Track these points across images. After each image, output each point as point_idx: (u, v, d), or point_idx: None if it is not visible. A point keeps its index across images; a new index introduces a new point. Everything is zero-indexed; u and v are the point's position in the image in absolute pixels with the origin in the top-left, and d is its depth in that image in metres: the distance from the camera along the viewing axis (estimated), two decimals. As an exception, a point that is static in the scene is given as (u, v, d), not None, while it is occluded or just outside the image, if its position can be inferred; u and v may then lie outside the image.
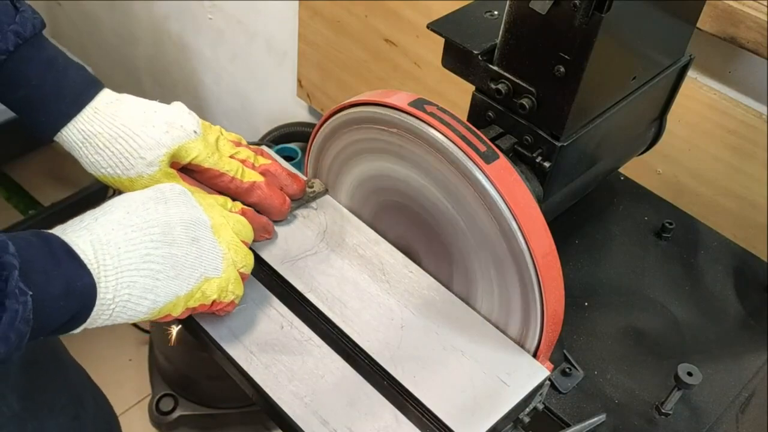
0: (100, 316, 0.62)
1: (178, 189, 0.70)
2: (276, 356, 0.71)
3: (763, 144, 1.06)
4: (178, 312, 0.67)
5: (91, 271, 0.60)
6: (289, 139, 1.85)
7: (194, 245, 0.67)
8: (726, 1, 0.99)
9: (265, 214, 0.80)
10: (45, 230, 0.62)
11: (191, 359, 1.66)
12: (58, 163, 2.36)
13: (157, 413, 1.75)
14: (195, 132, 0.76)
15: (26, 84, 0.73)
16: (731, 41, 1.01)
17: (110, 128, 0.74)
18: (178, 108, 0.77)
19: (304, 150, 1.75)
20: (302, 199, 0.84)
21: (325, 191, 0.86)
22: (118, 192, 0.77)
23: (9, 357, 0.55)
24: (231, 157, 0.79)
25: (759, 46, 0.98)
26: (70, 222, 0.64)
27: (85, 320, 0.61)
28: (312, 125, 1.86)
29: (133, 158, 0.74)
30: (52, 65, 0.74)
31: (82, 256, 0.60)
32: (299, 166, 0.88)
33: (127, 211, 0.65)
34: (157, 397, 1.77)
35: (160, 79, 2.32)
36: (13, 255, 0.54)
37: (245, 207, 0.77)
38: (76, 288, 0.59)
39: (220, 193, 0.79)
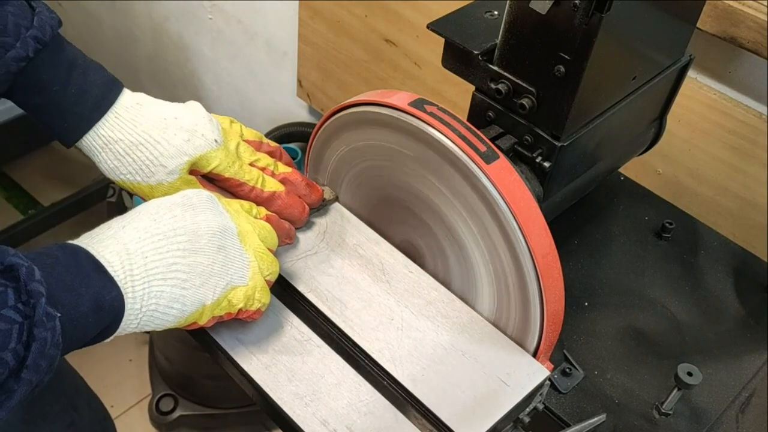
0: (128, 325, 0.61)
1: (205, 195, 0.69)
2: (276, 356, 0.71)
3: (763, 144, 1.06)
4: (204, 320, 0.67)
5: (119, 282, 0.60)
6: (289, 139, 1.85)
7: (221, 253, 0.66)
8: (726, 1, 0.99)
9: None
10: (71, 242, 0.61)
11: (191, 359, 1.66)
12: (58, 163, 2.37)
13: (157, 413, 1.75)
14: (216, 141, 0.75)
15: (47, 90, 0.72)
16: (731, 41, 1.01)
17: (131, 135, 0.74)
18: (198, 113, 0.76)
19: (304, 150, 1.75)
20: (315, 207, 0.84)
21: (335, 199, 0.85)
22: (119, 193, 0.77)
23: (43, 383, 0.55)
24: (251, 164, 0.78)
25: (759, 46, 0.98)
26: (98, 230, 0.64)
27: (114, 331, 0.61)
28: (312, 125, 1.86)
29: (154, 166, 0.74)
30: (72, 69, 0.73)
31: (109, 268, 0.60)
32: (299, 166, 0.88)
33: (153, 218, 0.64)
34: (157, 397, 1.77)
35: (160, 79, 2.32)
36: (39, 282, 0.53)
37: (269, 213, 0.77)
38: (105, 302, 0.58)
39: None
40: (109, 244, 0.61)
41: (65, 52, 0.74)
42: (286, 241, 0.79)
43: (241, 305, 0.68)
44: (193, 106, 0.77)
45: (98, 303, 0.58)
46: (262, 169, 0.79)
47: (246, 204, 0.75)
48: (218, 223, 0.67)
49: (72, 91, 0.73)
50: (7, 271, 0.53)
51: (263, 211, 0.76)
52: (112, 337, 0.61)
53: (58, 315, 0.54)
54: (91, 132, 0.74)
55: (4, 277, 0.53)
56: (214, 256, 0.66)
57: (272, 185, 0.78)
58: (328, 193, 0.85)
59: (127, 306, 0.60)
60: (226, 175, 0.76)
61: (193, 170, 0.76)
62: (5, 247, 0.54)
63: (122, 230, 0.63)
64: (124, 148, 0.74)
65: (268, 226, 0.74)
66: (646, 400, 0.79)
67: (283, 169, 0.81)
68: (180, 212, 0.66)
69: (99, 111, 0.74)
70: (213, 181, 0.78)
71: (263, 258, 0.70)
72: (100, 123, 0.74)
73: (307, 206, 0.81)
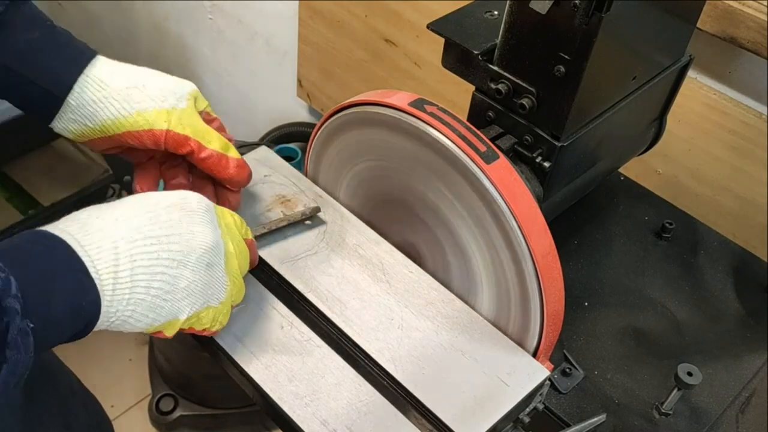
0: (99, 326, 0.59)
1: (205, 204, 0.67)
2: (276, 356, 0.72)
3: (763, 144, 1.06)
4: (170, 333, 0.65)
5: (99, 284, 0.57)
6: (289, 139, 1.86)
7: (208, 272, 0.65)
8: (726, 1, 0.99)
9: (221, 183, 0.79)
10: (52, 231, 0.58)
11: (191, 359, 1.66)
12: (58, 163, 2.36)
13: (157, 413, 1.75)
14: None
15: (23, 39, 0.70)
16: (731, 41, 1.01)
17: (128, 70, 0.74)
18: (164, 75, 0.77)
19: (304, 150, 1.75)
20: (291, 214, 0.82)
21: (317, 210, 0.83)
22: (119, 193, 0.77)
23: (8, 399, 0.53)
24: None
25: (759, 46, 0.98)
26: (87, 215, 0.60)
27: (85, 335, 0.59)
28: (312, 125, 1.86)
29: (162, 91, 0.73)
30: (43, 26, 0.73)
31: (92, 269, 0.57)
32: (299, 166, 0.88)
33: (150, 218, 0.62)
34: (157, 397, 1.77)
35: (160, 79, 2.32)
36: (14, 297, 0.50)
37: (251, 239, 0.74)
38: (82, 307, 0.56)
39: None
40: (97, 238, 0.58)
41: (33, 9, 0.73)
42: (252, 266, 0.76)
43: (207, 325, 0.67)
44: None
45: (74, 308, 0.55)
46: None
47: (238, 219, 0.72)
48: (212, 238, 0.65)
49: (55, 37, 0.72)
50: None
51: (249, 231, 0.74)
52: (78, 340, 0.59)
53: (32, 326, 0.51)
54: (82, 76, 0.72)
55: None
56: (201, 273, 0.64)
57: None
58: (309, 209, 0.83)
59: (103, 309, 0.58)
60: (214, 114, 0.78)
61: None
62: None
63: (114, 224, 0.60)
64: (127, 77, 0.73)
65: (246, 251, 0.71)
66: (646, 400, 0.79)
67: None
68: (177, 216, 0.63)
69: (85, 56, 0.73)
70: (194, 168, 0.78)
71: (235, 283, 0.69)
72: (90, 65, 0.73)
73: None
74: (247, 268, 0.72)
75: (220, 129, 0.80)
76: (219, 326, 0.69)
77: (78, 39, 0.75)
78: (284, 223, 0.81)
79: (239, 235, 0.71)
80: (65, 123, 0.74)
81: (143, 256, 0.60)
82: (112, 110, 0.72)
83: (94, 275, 0.57)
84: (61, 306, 0.55)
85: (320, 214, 0.84)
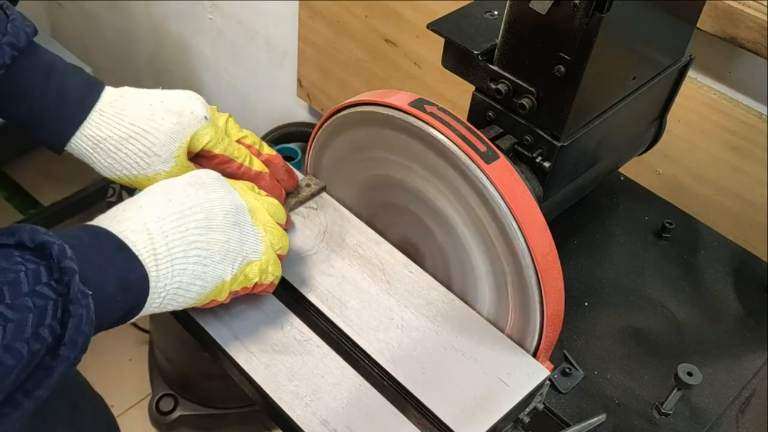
0: (151, 304, 0.62)
1: (214, 174, 0.70)
2: (276, 356, 0.71)
3: (763, 144, 1.06)
4: (223, 296, 0.68)
5: (143, 261, 0.61)
6: (289, 139, 1.86)
7: (236, 230, 0.68)
8: (726, 1, 0.99)
9: None
10: (91, 224, 0.62)
11: (191, 359, 1.66)
12: (58, 163, 2.35)
13: (157, 413, 1.75)
14: (205, 118, 0.75)
15: (28, 96, 0.72)
16: (731, 41, 1.01)
17: (119, 129, 0.73)
18: (184, 92, 0.76)
19: (304, 150, 1.74)
20: (300, 196, 0.84)
21: (323, 188, 0.85)
22: (118, 193, 0.77)
23: (78, 361, 0.56)
24: (239, 141, 0.79)
25: (759, 46, 0.98)
26: (112, 212, 0.64)
27: (140, 311, 0.62)
28: (312, 125, 1.86)
29: (148, 157, 0.73)
30: (51, 72, 0.72)
31: (133, 248, 0.60)
32: (299, 166, 0.88)
33: (168, 198, 0.65)
34: (157, 397, 1.77)
35: (160, 79, 2.32)
36: (71, 259, 0.54)
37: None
38: (131, 282, 0.60)
39: None
40: (129, 224, 0.62)
41: (42, 56, 0.73)
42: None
43: (256, 279, 0.69)
44: (180, 90, 0.77)
45: (124, 283, 0.59)
46: (249, 147, 0.79)
47: (249, 183, 0.75)
48: (230, 200, 0.68)
49: (53, 94, 0.72)
50: (39, 249, 0.54)
51: (263, 190, 0.77)
52: (137, 318, 0.62)
53: (90, 293, 0.54)
54: (77, 134, 0.73)
55: (36, 255, 0.54)
56: (230, 232, 0.67)
57: (258, 165, 0.79)
58: (314, 183, 0.84)
59: (152, 285, 0.61)
60: (216, 151, 0.76)
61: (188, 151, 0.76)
62: (36, 226, 0.55)
63: (139, 210, 0.63)
64: (114, 145, 0.73)
65: (275, 201, 0.75)
66: (646, 400, 0.79)
67: (267, 150, 0.81)
68: (193, 191, 0.67)
69: (82, 111, 0.73)
70: (200, 160, 0.77)
71: (274, 233, 0.72)
72: (85, 123, 0.73)
73: (284, 191, 0.82)
74: (284, 217, 0.76)
75: (249, 145, 0.80)
76: (272, 277, 0.71)
77: (81, 73, 0.74)
78: (295, 205, 0.82)
79: (257, 194, 0.74)
80: (85, 155, 0.75)
81: (173, 230, 0.63)
82: (107, 173, 0.75)
83: (136, 253, 0.61)
84: (112, 280, 0.58)
85: (320, 215, 0.84)
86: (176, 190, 0.66)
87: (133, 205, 0.64)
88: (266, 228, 0.71)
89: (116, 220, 0.62)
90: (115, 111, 0.74)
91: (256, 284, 0.70)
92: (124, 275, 0.59)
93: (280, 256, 0.73)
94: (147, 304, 0.62)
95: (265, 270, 0.70)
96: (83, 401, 1.02)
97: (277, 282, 0.73)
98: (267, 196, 0.76)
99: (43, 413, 0.91)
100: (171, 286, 0.63)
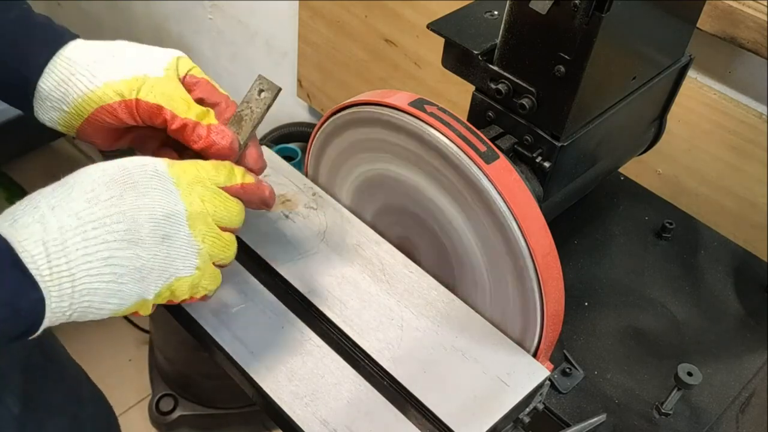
0: (55, 322, 0.56)
1: (150, 169, 0.60)
2: (276, 356, 0.71)
3: (763, 144, 1.06)
4: (146, 311, 0.62)
5: (41, 281, 0.53)
6: (289, 139, 1.86)
7: (164, 244, 0.59)
8: (726, 1, 0.99)
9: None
10: None
11: (191, 359, 1.66)
12: (58, 163, 2.36)
13: (157, 413, 1.75)
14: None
15: (3, 20, 0.67)
16: (731, 41, 1.01)
17: (107, 45, 0.68)
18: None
19: (304, 150, 1.75)
20: (249, 100, 0.70)
21: (278, 90, 0.70)
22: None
23: None
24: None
25: (759, 46, 0.98)
26: (25, 205, 0.57)
27: (36, 332, 0.55)
28: (312, 125, 1.86)
29: (141, 60, 0.67)
30: (21, 4, 0.69)
31: (31, 265, 0.53)
32: (299, 166, 0.88)
33: (88, 199, 0.57)
34: (157, 397, 1.77)
35: (160, 79, 2.32)
36: None
37: (246, 183, 0.66)
38: (23, 306, 0.53)
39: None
40: (34, 231, 0.54)
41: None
42: (262, 207, 0.69)
43: (185, 296, 0.63)
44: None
45: (15, 307, 0.52)
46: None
47: (211, 169, 0.64)
48: (163, 207, 0.59)
49: (25, 28, 0.68)
50: None
51: (240, 173, 0.66)
52: (36, 335, 0.56)
53: None
54: (64, 50, 0.67)
55: None
56: (156, 248, 0.59)
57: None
58: (267, 85, 0.70)
59: (52, 305, 0.54)
60: (200, 75, 0.69)
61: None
62: None
63: (51, 212, 0.55)
64: (107, 50, 0.68)
65: (231, 204, 0.64)
66: (646, 400, 0.79)
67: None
68: (119, 192, 0.58)
69: (63, 37, 0.69)
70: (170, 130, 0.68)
71: (214, 243, 0.63)
72: (69, 44, 0.68)
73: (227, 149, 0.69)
74: (237, 220, 0.65)
75: (208, 90, 0.70)
76: (205, 291, 0.64)
77: (59, 25, 0.71)
78: (258, 112, 0.69)
79: (213, 187, 0.63)
80: (46, 112, 0.69)
81: (86, 244, 0.55)
82: (79, 86, 0.66)
83: (34, 272, 0.53)
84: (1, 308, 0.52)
85: (320, 215, 0.84)
86: (99, 189, 0.58)
87: (47, 201, 0.56)
88: (205, 238, 0.62)
89: (21, 222, 0.55)
90: (99, 42, 0.69)
91: (189, 298, 0.64)
92: (14, 298, 0.52)
93: (221, 266, 0.65)
94: (48, 321, 0.55)
95: (197, 285, 0.63)
96: (84, 393, 1.02)
97: (212, 294, 0.65)
98: (236, 186, 0.65)
99: (48, 407, 0.91)
100: (80, 305, 0.56)
